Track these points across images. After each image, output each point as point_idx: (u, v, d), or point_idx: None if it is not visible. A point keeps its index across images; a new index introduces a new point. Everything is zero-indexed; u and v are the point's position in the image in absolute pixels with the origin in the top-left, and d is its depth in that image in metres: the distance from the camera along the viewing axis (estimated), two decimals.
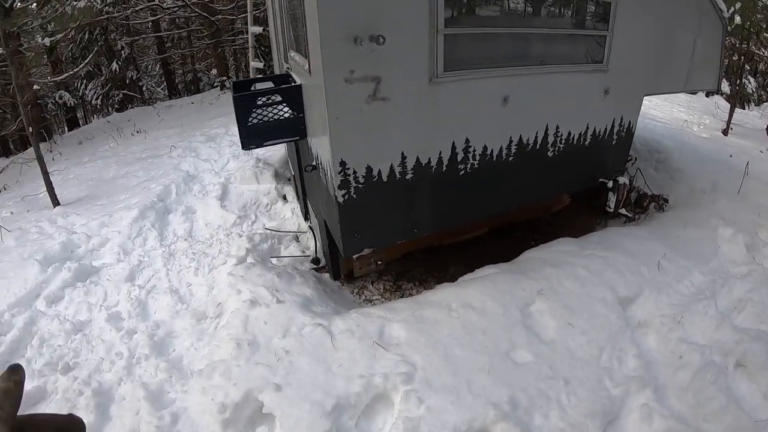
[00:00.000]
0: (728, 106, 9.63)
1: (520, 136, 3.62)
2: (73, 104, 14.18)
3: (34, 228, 5.51)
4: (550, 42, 3.61)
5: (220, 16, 13.05)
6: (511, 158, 3.64)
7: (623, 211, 4.86)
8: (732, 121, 9.33)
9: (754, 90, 15.28)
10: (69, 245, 4.93)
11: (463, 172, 3.43)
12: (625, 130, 4.47)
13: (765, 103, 15.93)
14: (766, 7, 10.36)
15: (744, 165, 5.64)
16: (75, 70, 10.88)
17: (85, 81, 14.18)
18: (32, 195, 6.73)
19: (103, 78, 14.21)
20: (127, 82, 14.97)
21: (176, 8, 13.74)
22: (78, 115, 15.70)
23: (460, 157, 3.36)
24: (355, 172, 3.04)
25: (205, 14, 12.49)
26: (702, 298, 3.63)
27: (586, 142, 4.13)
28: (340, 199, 3.08)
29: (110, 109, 14.50)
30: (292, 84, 3.49)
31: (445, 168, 3.33)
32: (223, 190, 5.69)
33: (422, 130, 3.12)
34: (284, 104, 3.39)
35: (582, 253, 4.06)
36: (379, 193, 3.17)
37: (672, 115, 9.29)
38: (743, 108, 13.62)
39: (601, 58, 3.94)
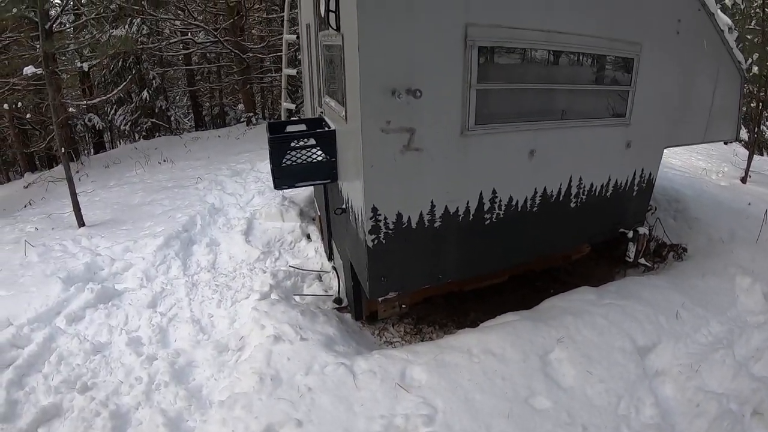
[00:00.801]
0: (746, 153, 9.63)
1: (545, 187, 3.72)
2: (101, 128, 14.57)
3: (58, 246, 5.64)
4: (575, 97, 3.74)
5: (250, 54, 13.45)
6: (535, 209, 3.73)
7: (643, 260, 4.90)
8: (751, 169, 9.35)
9: None
10: (92, 266, 5.03)
11: (488, 221, 3.52)
12: (645, 182, 4.54)
13: None
14: None
15: (762, 213, 5.66)
16: (108, 95, 11.24)
17: (115, 106, 14.61)
18: (58, 213, 6.90)
19: (133, 105, 14.63)
20: (156, 111, 15.39)
21: (208, 43, 14.18)
22: (105, 138, 16.11)
23: (486, 207, 3.46)
24: (386, 219, 3.14)
25: (236, 51, 12.89)
26: (719, 348, 3.63)
27: (608, 194, 4.21)
28: (370, 244, 3.17)
29: (138, 135, 14.88)
30: (327, 129, 3.63)
31: (471, 217, 3.42)
32: (248, 225, 5.81)
33: (452, 180, 3.23)
34: (317, 148, 3.52)
35: (601, 302, 4.09)
36: (408, 239, 3.26)
37: (691, 163, 9.35)
38: (761, 155, 13.63)
39: (624, 112, 4.06)
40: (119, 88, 10.69)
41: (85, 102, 10.98)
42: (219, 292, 4.67)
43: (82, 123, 14.48)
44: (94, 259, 5.19)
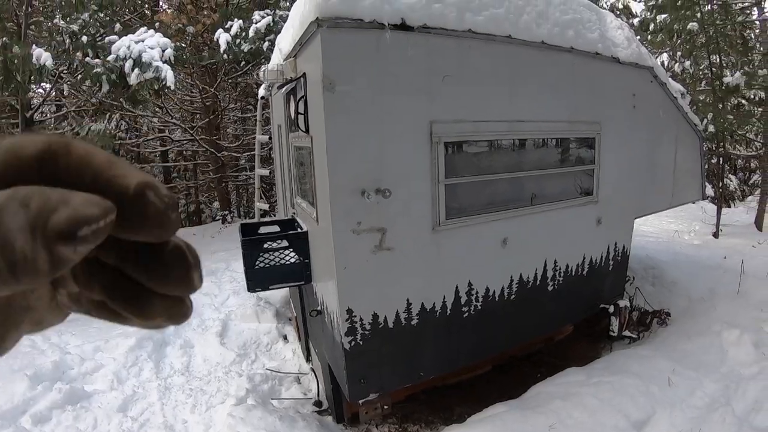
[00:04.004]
0: (714, 208, 9.92)
1: (521, 274, 3.71)
2: None
3: (27, 341, 5.29)
4: (543, 181, 3.83)
5: (225, 153, 13.75)
6: (512, 297, 3.70)
7: (627, 333, 4.85)
8: (721, 223, 9.59)
9: (736, 187, 15.89)
10: (61, 365, 4.85)
11: (466, 314, 3.46)
12: (620, 255, 4.58)
13: (749, 197, 16.48)
14: (735, 107, 11.11)
15: (739, 264, 5.72)
16: None
17: None
18: None
19: None
20: None
21: (185, 141, 14.45)
22: None
23: (463, 300, 3.41)
24: (361, 319, 3.06)
25: (211, 149, 13.16)
26: (717, 407, 3.56)
27: (584, 272, 4.22)
28: (347, 346, 3.07)
29: None
30: (299, 230, 3.61)
31: (449, 311, 3.36)
32: (223, 326, 5.67)
33: (426, 276, 3.20)
34: (291, 249, 3.48)
35: (589, 381, 3.99)
36: (385, 338, 3.16)
37: (662, 228, 9.57)
38: (729, 207, 14.06)
39: (591, 190, 4.15)
40: None
41: None
42: (193, 397, 4.46)
43: None
44: (64, 358, 5.01)
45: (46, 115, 12.48)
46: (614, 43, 4.31)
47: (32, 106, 10.14)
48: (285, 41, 3.65)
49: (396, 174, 2.93)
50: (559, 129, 3.81)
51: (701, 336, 4.58)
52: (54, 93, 10.89)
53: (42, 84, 9.03)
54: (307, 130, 3.15)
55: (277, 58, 3.88)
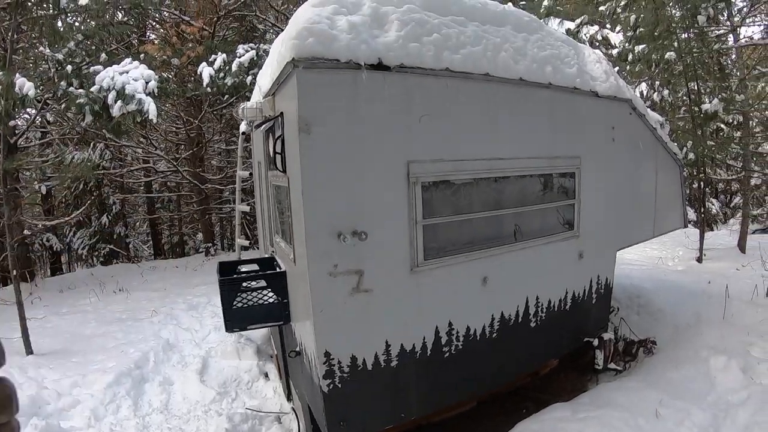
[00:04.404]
0: (697, 232, 10.01)
1: (502, 312, 3.68)
2: (59, 249, 14.23)
3: (3, 373, 5.22)
4: (523, 217, 3.82)
5: (209, 185, 13.75)
6: (494, 335, 3.66)
7: (612, 365, 4.81)
8: (704, 247, 9.67)
9: (718, 210, 16.16)
10: (38, 400, 4.71)
11: (447, 353, 3.41)
12: (603, 287, 4.58)
13: (732, 220, 16.75)
14: (715, 132, 11.34)
15: (723, 288, 5.74)
16: (66, 219, 11.12)
17: (74, 229, 14.39)
18: (6, 338, 6.44)
19: (92, 229, 14.46)
20: (115, 237, 15.23)
21: (169, 172, 14.44)
22: (62, 259, 15.71)
23: (444, 340, 3.36)
24: (339, 362, 3.00)
25: (195, 181, 13.14)
26: None
27: (567, 307, 4.20)
28: (325, 389, 3.00)
29: (95, 260, 14.55)
30: (277, 270, 3.57)
31: (429, 352, 3.31)
32: (203, 363, 5.53)
33: (405, 317, 3.15)
34: (269, 289, 3.43)
35: (575, 417, 3.93)
36: (365, 381, 3.10)
37: (646, 255, 9.62)
38: (712, 230, 14.25)
39: (572, 225, 4.16)
40: (79, 211, 10.58)
41: (43, 223, 10.78)
42: None
43: (40, 242, 14.14)
44: (40, 393, 4.87)
45: (31, 141, 12.40)
46: (593, 77, 4.37)
47: (17, 132, 10.06)
48: (264, 79, 3.66)
49: (373, 215, 2.91)
50: (539, 165, 3.83)
51: (688, 363, 4.55)
52: (39, 120, 10.82)
53: (27, 110, 8.96)
54: (284, 170, 3.13)
55: (257, 96, 3.89)
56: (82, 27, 8.43)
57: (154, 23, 13.14)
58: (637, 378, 4.61)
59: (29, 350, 6.04)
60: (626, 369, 5.10)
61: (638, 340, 5.40)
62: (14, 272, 6.39)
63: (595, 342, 4.57)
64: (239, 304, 3.40)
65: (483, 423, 4.14)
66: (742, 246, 10.24)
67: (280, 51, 2.92)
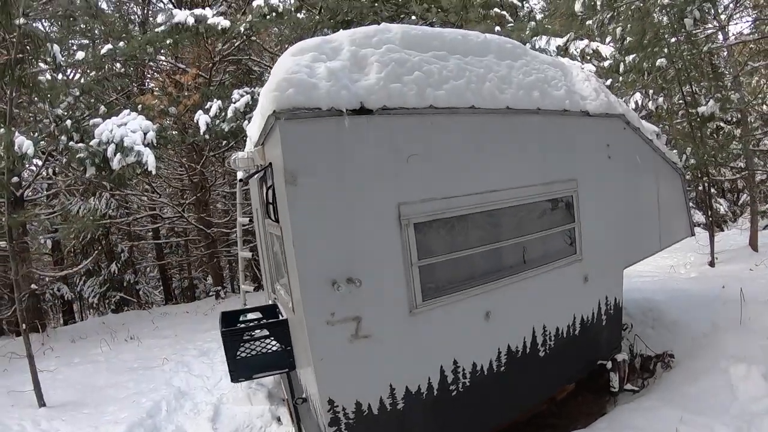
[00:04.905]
0: (707, 236, 9.87)
1: (508, 345, 3.61)
2: (70, 298, 14.35)
3: (17, 426, 5.45)
4: (523, 248, 3.78)
5: (215, 229, 13.87)
6: (502, 368, 3.59)
7: (629, 386, 4.69)
8: (715, 250, 9.53)
9: (726, 210, 15.96)
10: None
11: (455, 392, 3.35)
12: (612, 308, 4.50)
13: (741, 218, 16.52)
14: (715, 131, 11.26)
15: (738, 292, 5.59)
16: (76, 269, 11.26)
17: (84, 278, 14.54)
18: (18, 390, 6.64)
19: (102, 277, 14.62)
20: (125, 284, 15.39)
21: (175, 218, 14.60)
22: (74, 308, 15.83)
23: (450, 378, 3.30)
24: (344, 409, 2.95)
25: (201, 226, 13.27)
26: None
27: (576, 332, 4.12)
28: None
29: (107, 307, 14.64)
30: (279, 319, 3.55)
31: (436, 392, 3.25)
32: (215, 410, 5.51)
33: (408, 359, 3.10)
34: (272, 337, 3.40)
35: None
36: (372, 426, 3.04)
37: (656, 264, 9.49)
38: (722, 230, 14.05)
39: (574, 249, 4.10)
40: (88, 260, 10.75)
41: (53, 275, 10.90)
42: None
43: (51, 292, 14.28)
44: None
45: (38, 193, 12.61)
46: (582, 97, 4.36)
47: (23, 185, 10.22)
48: (253, 129, 3.69)
49: (367, 260, 2.89)
50: (534, 193, 3.78)
51: (708, 375, 4.43)
52: (45, 172, 11.02)
53: (33, 161, 9.13)
54: (277, 220, 3.13)
55: (249, 145, 3.92)
56: (82, 81, 8.62)
57: (152, 72, 13.43)
58: (655, 396, 4.48)
59: (41, 402, 6.10)
60: (644, 387, 4.98)
61: (655, 355, 5.28)
62: (23, 326, 6.45)
63: (609, 365, 4.47)
64: (243, 354, 3.37)
65: None
66: (753, 244, 10.10)
67: (263, 103, 2.95)
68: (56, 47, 7.93)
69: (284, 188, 2.69)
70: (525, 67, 3.92)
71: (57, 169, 11.22)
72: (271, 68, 12.20)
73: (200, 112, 9.20)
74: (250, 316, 3.91)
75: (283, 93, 2.66)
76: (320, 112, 2.72)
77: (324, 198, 2.77)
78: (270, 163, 3.15)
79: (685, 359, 5.09)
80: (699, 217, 12.22)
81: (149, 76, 13.72)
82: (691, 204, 6.65)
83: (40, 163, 9.65)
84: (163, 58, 11.90)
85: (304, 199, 2.70)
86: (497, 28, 9.01)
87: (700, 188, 11.35)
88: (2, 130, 6.37)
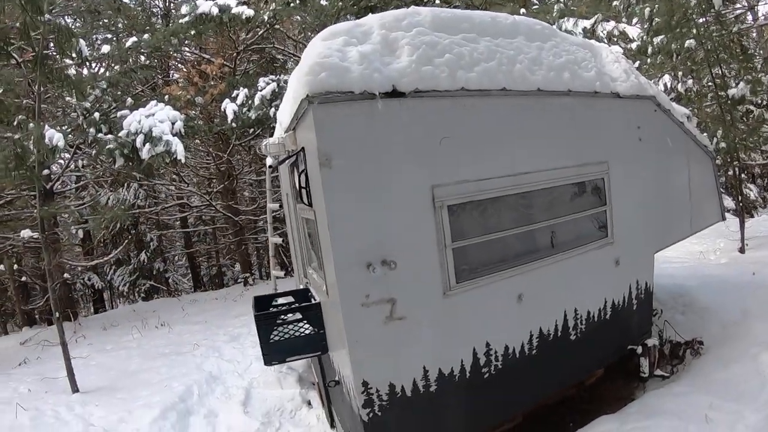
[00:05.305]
0: (737, 221, 9.63)
1: (540, 328, 3.61)
2: (100, 287, 14.69)
3: (51, 411, 5.55)
4: (555, 230, 3.75)
5: (242, 216, 14.00)
6: (534, 351, 3.59)
7: (659, 371, 4.64)
8: (746, 236, 9.30)
9: (757, 196, 15.55)
10: None
11: (487, 374, 3.36)
12: (643, 292, 4.45)
13: None
14: (745, 115, 10.94)
15: None
16: (106, 258, 11.51)
17: (114, 267, 14.87)
18: (52, 377, 6.79)
19: (131, 266, 14.94)
20: (154, 272, 15.69)
21: (203, 207, 14.80)
22: (104, 296, 16.21)
23: (482, 361, 3.32)
24: (378, 391, 2.99)
25: (228, 214, 13.42)
26: None
27: (607, 316, 4.10)
28: (365, 418, 2.98)
29: (137, 296, 14.94)
30: (312, 302, 3.59)
31: (468, 374, 3.27)
32: (246, 394, 5.59)
33: (441, 342, 3.12)
34: (305, 321, 3.45)
35: (623, 428, 3.79)
36: (405, 408, 3.08)
37: (686, 250, 9.29)
38: (752, 216, 13.70)
39: (606, 232, 4.06)
40: (117, 250, 11.00)
41: (84, 264, 11.18)
42: None
43: (82, 282, 14.65)
44: (88, 429, 5.06)
45: (66, 186, 12.90)
46: (612, 78, 4.28)
47: (52, 178, 10.46)
48: (284, 114, 3.72)
49: (401, 243, 2.91)
50: (566, 175, 3.76)
51: (738, 362, 4.36)
52: (73, 164, 11.25)
53: (62, 155, 9.33)
54: (310, 204, 3.16)
55: (279, 131, 3.95)
56: (107, 74, 8.77)
57: (177, 63, 13.58)
58: (685, 382, 4.44)
59: (75, 388, 6.23)
60: (673, 373, 4.93)
61: (684, 341, 5.21)
62: (57, 314, 6.62)
63: (639, 349, 4.43)
64: (276, 338, 3.43)
65: None
66: None
67: (295, 87, 2.97)
68: (82, 42, 8.07)
69: (318, 171, 2.71)
70: (555, 49, 3.87)
71: (85, 161, 11.47)
72: (294, 56, 12.32)
73: (227, 100, 9.28)
74: (282, 300, 3.96)
75: (316, 77, 2.67)
76: (353, 95, 2.73)
77: (358, 180, 2.79)
78: (302, 148, 3.17)
79: (715, 346, 5.01)
80: (729, 202, 11.90)
81: (173, 67, 13.88)
82: (720, 189, 6.49)
83: (68, 156, 9.84)
84: (187, 49, 12.02)
85: (338, 181, 2.73)
86: (522, 10, 8.88)
87: (730, 173, 11.02)
88: (32, 125, 6.53)
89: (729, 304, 5.55)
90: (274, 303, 3.91)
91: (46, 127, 7.28)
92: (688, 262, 8.26)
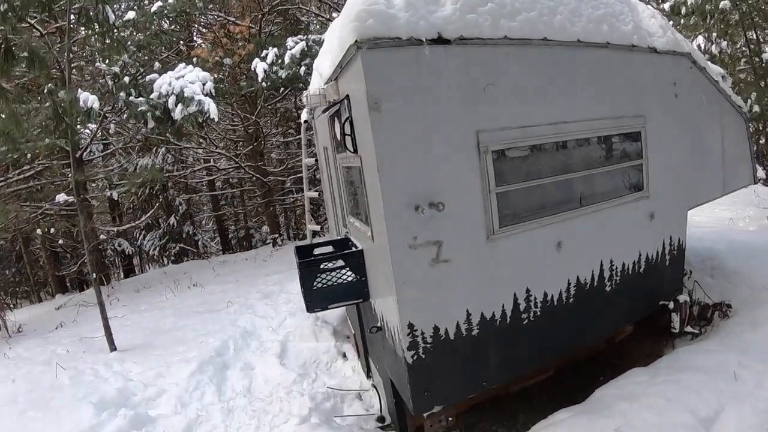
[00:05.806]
0: (767, 190, 9.49)
1: (577, 277, 3.67)
2: (130, 252, 15.00)
3: (90, 370, 5.72)
4: (593, 180, 3.78)
5: (271, 177, 14.06)
6: (571, 300, 3.65)
7: (689, 328, 4.69)
8: None
9: None
10: (125, 392, 5.04)
11: (526, 321, 3.44)
12: (676, 249, 4.47)
13: None
14: None
15: None
16: (136, 222, 11.71)
17: (143, 232, 15.15)
18: (89, 337, 7.02)
19: (161, 231, 15.22)
20: (184, 236, 15.96)
21: (231, 169, 14.91)
22: (134, 263, 16.56)
23: (522, 307, 3.39)
24: (422, 333, 3.08)
25: (257, 175, 13.49)
26: None
27: (641, 269, 4.13)
28: (410, 360, 3.09)
29: (166, 260, 15.24)
30: (354, 249, 3.68)
31: (509, 319, 3.35)
32: (282, 347, 5.76)
33: (484, 286, 3.20)
34: (347, 268, 3.54)
35: (654, 381, 3.87)
36: (447, 350, 3.17)
37: (715, 216, 9.20)
38: None
39: (642, 186, 4.07)
40: (147, 215, 11.20)
41: (115, 229, 11.41)
42: (256, 418, 4.56)
43: (112, 248, 14.98)
44: (127, 385, 5.21)
45: (93, 154, 13.12)
46: (649, 33, 4.23)
47: (80, 147, 10.64)
48: (324, 65, 3.75)
49: (447, 186, 2.97)
50: (604, 126, 3.77)
51: (766, 326, 4.38)
52: (100, 133, 11.41)
53: (89, 125, 9.47)
54: (355, 151, 3.22)
55: (317, 82, 3.98)
56: (137, 37, 8.80)
57: (200, 27, 13.55)
58: (715, 341, 4.48)
59: (113, 347, 6.44)
60: (702, 333, 4.97)
61: (713, 303, 5.23)
62: (94, 275, 6.81)
63: (671, 305, 4.47)
64: (319, 285, 3.53)
65: (561, 391, 4.14)
66: None
67: (340, 35, 2.99)
68: (107, 8, 8.09)
69: (367, 116, 2.76)
70: (593, 1, 3.82)
71: (112, 129, 11.61)
72: (319, 16, 12.18)
73: (257, 60, 9.28)
74: (323, 249, 4.05)
75: (363, 23, 2.70)
76: (400, 41, 2.75)
77: (405, 125, 2.84)
78: (347, 96, 3.21)
79: (743, 309, 5.02)
80: (759, 172, 11.66)
81: (197, 32, 13.85)
82: (753, 152, 6.37)
83: (94, 126, 9.96)
84: (212, 14, 11.98)
85: (386, 125, 2.78)
86: None
87: (762, 142, 10.82)
88: (62, 93, 6.62)
89: (759, 269, 5.53)
90: (314, 252, 3.99)
91: (79, 90, 7.39)
92: (717, 228, 8.18)
